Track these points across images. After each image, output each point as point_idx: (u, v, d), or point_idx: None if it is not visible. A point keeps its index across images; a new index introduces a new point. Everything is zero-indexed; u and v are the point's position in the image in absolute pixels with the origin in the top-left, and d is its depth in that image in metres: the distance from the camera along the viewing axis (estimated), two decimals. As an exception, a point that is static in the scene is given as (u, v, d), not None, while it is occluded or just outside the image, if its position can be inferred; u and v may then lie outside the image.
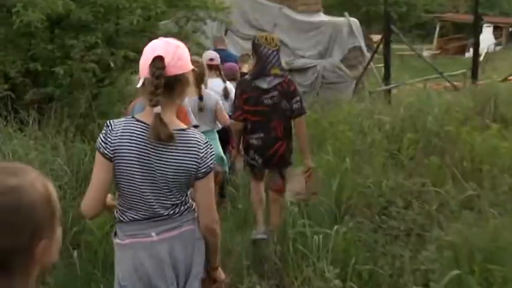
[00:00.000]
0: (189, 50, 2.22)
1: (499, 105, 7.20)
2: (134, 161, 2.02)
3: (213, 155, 2.11)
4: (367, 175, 4.72)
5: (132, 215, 2.10)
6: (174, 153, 2.02)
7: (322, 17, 14.27)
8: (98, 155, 2.06)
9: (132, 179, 2.04)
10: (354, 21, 13.92)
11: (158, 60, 1.95)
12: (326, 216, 3.97)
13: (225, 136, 4.96)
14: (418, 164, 5.15)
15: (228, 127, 4.96)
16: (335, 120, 6.33)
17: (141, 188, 2.05)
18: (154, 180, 2.04)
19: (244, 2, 14.35)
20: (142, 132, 2.02)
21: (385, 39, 12.35)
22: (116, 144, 2.02)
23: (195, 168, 2.04)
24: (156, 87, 1.95)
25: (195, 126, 3.38)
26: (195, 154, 2.03)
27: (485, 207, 3.93)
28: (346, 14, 13.94)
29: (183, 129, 2.07)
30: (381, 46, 13.96)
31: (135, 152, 2.01)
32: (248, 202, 4.31)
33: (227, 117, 4.74)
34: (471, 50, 27.60)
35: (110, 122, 2.07)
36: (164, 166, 2.02)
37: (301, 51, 13.64)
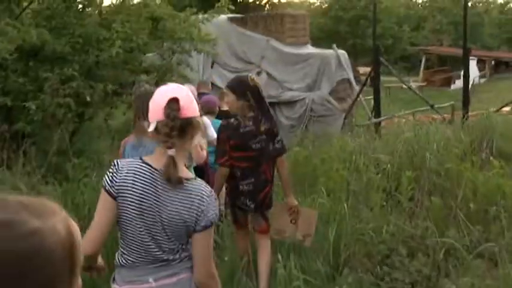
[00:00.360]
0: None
1: (496, 138, 6.88)
2: (135, 203, 1.98)
3: (215, 209, 2.02)
4: (366, 219, 4.28)
5: (132, 259, 2.05)
6: (175, 202, 1.97)
7: (310, 49, 14.02)
8: (103, 193, 2.03)
9: (132, 220, 2.01)
10: (342, 53, 13.70)
11: (174, 102, 1.95)
12: (323, 270, 3.51)
13: (201, 176, 4.49)
14: (418, 205, 4.73)
15: (205, 166, 4.52)
16: (327, 157, 5.91)
17: (140, 231, 2.01)
18: (153, 224, 1.99)
19: (231, 34, 14.09)
20: (147, 175, 1.99)
21: (374, 71, 12.11)
22: (120, 184, 1.99)
23: (194, 221, 1.97)
24: (171, 129, 1.93)
25: None
26: (197, 206, 1.97)
27: (504, 257, 3.50)
28: (334, 46, 13.73)
29: (189, 179, 2.02)
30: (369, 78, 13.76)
31: (137, 194, 1.98)
32: (235, 253, 3.84)
33: (203, 155, 4.28)
34: (457, 82, 27.76)
35: (116, 162, 2.05)
36: (164, 213, 1.98)
37: (289, 84, 13.33)
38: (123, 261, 2.08)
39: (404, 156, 5.55)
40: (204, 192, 2.00)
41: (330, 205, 4.61)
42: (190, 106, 2.01)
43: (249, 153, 3.68)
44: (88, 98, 5.43)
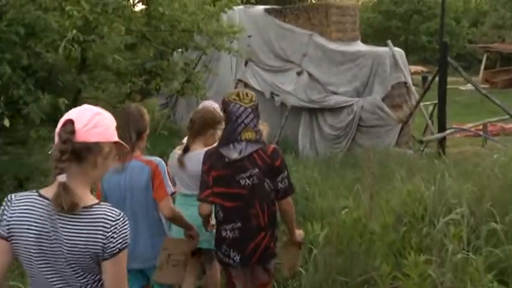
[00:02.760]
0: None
1: None
2: (32, 242, 1.76)
3: (124, 235, 1.78)
4: None
5: None
6: (77, 233, 1.75)
7: (361, 47, 11.54)
8: None
9: (32, 261, 1.78)
10: (399, 51, 11.16)
11: (68, 124, 1.78)
12: None
13: None
14: None
15: None
16: (390, 220, 3.55)
17: (43, 271, 1.79)
18: (55, 261, 1.77)
19: (268, 28, 11.82)
20: (43, 208, 1.77)
21: (440, 73, 9.52)
22: (12, 222, 1.78)
23: (100, 249, 1.76)
24: (61, 152, 1.74)
25: (172, 194, 2.98)
26: (101, 234, 1.76)
27: None
28: (389, 42, 11.19)
29: (91, 206, 1.79)
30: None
31: (33, 231, 1.76)
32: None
33: None
34: (524, 83, 24.31)
35: (11, 196, 1.83)
36: (66, 247, 1.75)
37: (333, 87, 10.96)
38: None
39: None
40: (107, 217, 1.79)
41: None
42: (91, 130, 1.80)
43: (235, 190, 2.94)
44: (6, 122, 3.30)
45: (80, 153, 1.78)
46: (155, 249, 2.93)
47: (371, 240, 3.56)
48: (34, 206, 1.79)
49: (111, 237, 1.77)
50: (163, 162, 2.96)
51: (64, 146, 1.74)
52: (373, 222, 3.64)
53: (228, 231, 2.98)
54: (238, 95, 2.98)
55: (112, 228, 1.78)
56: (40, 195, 1.81)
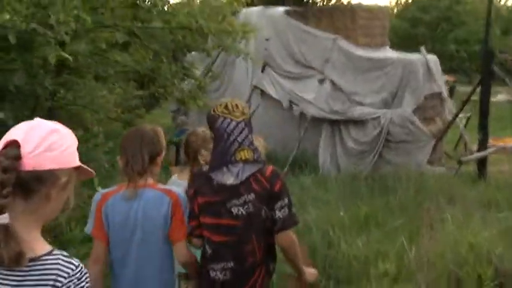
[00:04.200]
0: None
1: None
2: None
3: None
4: None
5: None
6: None
7: (390, 53, 10.38)
8: None
9: None
10: (433, 58, 9.99)
11: (10, 146, 1.39)
12: None
13: None
14: None
15: None
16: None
17: None
18: None
19: (288, 30, 10.74)
20: None
21: (483, 85, 8.31)
22: None
23: None
24: (2, 184, 1.35)
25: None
26: None
27: None
28: (422, 49, 10.01)
29: (39, 257, 1.42)
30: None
31: None
32: None
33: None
34: None
35: None
36: None
37: (359, 97, 9.83)
38: None
39: None
40: (61, 269, 1.43)
41: None
42: (43, 154, 1.40)
43: (227, 221, 2.46)
44: None
45: (28, 186, 1.43)
46: None
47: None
48: None
49: None
50: (182, 193, 2.57)
51: (5, 177, 1.38)
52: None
53: (218, 272, 2.56)
54: (226, 107, 2.58)
55: (66, 283, 1.44)
56: None
